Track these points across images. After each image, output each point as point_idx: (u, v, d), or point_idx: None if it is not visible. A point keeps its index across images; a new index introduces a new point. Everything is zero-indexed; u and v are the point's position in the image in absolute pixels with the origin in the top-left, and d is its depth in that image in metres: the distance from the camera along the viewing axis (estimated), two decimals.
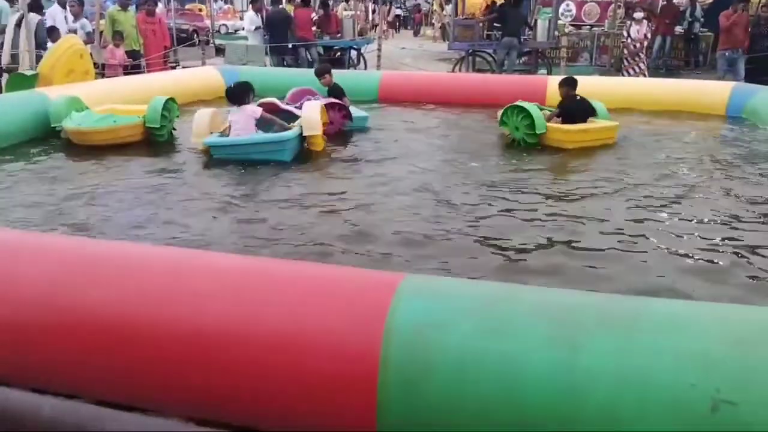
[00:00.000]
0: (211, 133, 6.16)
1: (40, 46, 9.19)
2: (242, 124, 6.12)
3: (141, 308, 2.12)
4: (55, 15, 10.64)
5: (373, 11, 23.59)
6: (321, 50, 14.29)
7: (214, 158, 6.00)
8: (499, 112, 7.11)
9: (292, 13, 13.69)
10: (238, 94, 6.32)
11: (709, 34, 13.76)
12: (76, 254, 2.44)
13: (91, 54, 9.94)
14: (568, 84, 7.19)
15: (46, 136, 6.74)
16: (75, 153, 6.33)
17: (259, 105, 6.50)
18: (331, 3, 15.43)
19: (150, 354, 2.06)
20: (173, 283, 2.20)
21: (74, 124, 6.51)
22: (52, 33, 9.81)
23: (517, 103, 6.77)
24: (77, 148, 6.46)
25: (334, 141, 6.92)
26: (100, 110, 6.93)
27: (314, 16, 13.78)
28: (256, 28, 13.15)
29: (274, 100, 6.89)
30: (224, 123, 6.32)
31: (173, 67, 12.20)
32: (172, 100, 6.89)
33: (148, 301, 2.14)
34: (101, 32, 10.83)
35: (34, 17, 9.05)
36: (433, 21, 26.50)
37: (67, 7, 10.82)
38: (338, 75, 10.51)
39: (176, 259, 2.45)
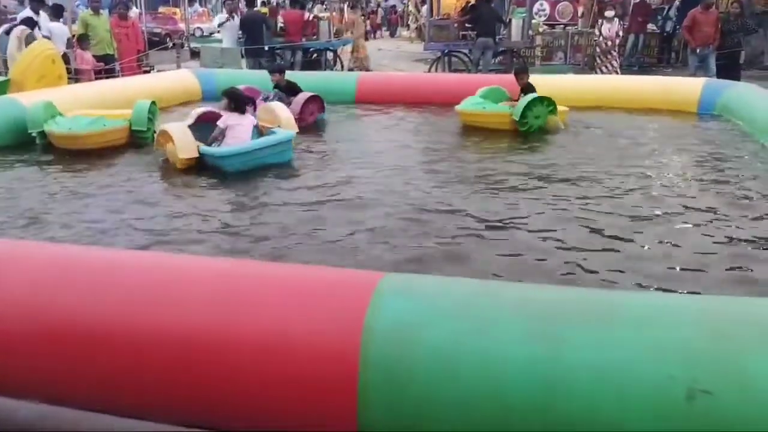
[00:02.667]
0: (198, 145, 5.80)
1: None
2: (244, 131, 5.91)
3: (120, 313, 2.10)
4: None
5: (373, 12, 23.90)
6: (301, 52, 14.27)
7: (228, 170, 5.57)
8: (462, 108, 7.64)
9: (269, 15, 13.63)
10: (246, 101, 6.13)
11: None
12: (55, 260, 2.41)
13: (68, 58, 9.85)
14: (527, 72, 8.01)
15: (20, 143, 6.62)
16: (58, 158, 6.23)
17: (203, 114, 6.28)
18: (308, 5, 15.39)
19: (129, 359, 2.04)
20: (152, 288, 2.18)
21: (65, 129, 6.44)
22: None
23: (533, 96, 7.26)
24: (59, 152, 6.36)
25: (309, 140, 6.96)
26: (71, 115, 6.81)
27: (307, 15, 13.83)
28: (228, 19, 13.00)
29: (213, 108, 6.63)
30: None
31: (147, 71, 12.09)
32: (153, 103, 6.94)
33: (127, 306, 2.12)
34: (73, 36, 10.69)
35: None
36: (409, 22, 26.55)
37: (41, 12, 10.68)
38: (315, 76, 10.56)
39: (154, 263, 2.43)
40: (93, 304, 2.14)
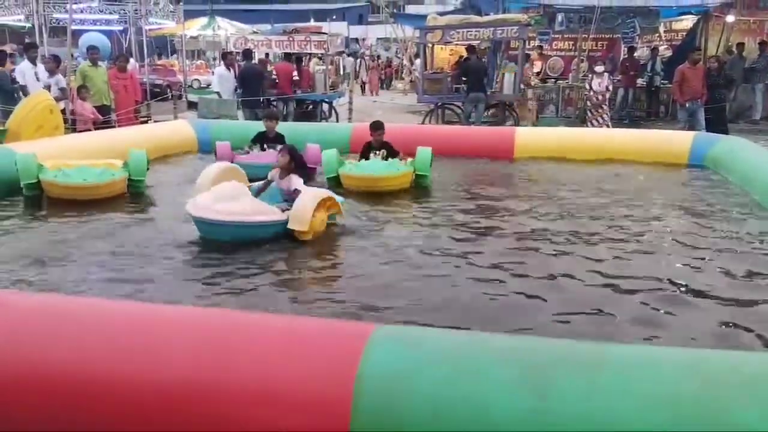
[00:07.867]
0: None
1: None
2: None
3: (105, 363, 2.08)
4: (24, 71, 10.61)
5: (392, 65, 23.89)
6: (294, 103, 14.47)
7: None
8: (371, 173, 7.16)
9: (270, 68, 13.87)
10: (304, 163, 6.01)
11: (670, 85, 14.27)
12: (41, 309, 2.39)
13: (63, 110, 9.92)
14: (382, 128, 7.84)
15: (9, 193, 6.58)
16: (58, 208, 6.19)
17: None
18: (304, 59, 15.69)
19: (114, 410, 2.01)
20: (138, 338, 2.16)
21: (79, 180, 6.42)
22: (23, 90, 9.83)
23: (429, 149, 7.43)
24: (56, 203, 6.31)
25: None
26: (51, 165, 6.74)
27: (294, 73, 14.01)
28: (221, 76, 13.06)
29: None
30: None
31: (144, 122, 12.20)
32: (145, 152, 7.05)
33: (112, 356, 2.09)
34: (69, 88, 10.80)
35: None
36: (403, 75, 27.06)
37: (38, 63, 10.82)
38: (311, 127, 10.66)
39: (143, 312, 2.41)
40: (75, 353, 2.12)
